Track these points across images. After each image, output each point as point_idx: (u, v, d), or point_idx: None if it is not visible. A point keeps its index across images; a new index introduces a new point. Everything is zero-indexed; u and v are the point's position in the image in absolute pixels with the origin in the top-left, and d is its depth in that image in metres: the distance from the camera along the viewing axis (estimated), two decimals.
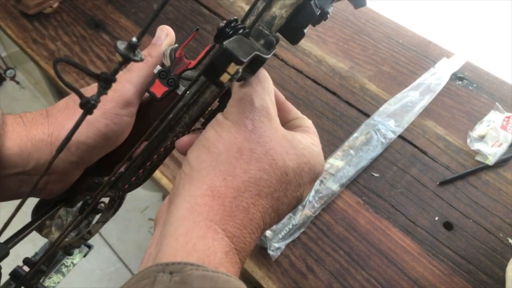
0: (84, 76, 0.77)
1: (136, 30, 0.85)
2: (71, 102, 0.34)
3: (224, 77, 0.22)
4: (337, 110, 0.73)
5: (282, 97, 0.33)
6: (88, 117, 0.32)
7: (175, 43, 0.36)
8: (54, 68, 0.20)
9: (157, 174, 0.64)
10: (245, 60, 0.22)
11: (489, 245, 0.59)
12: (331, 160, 0.65)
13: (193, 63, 0.32)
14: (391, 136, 0.68)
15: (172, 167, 0.65)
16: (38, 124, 0.33)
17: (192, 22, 0.87)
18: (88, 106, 0.20)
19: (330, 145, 0.68)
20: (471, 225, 0.60)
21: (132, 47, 0.19)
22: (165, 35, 0.36)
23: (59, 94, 1.31)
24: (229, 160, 0.25)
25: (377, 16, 0.92)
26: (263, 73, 0.29)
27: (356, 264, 0.56)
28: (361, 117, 0.72)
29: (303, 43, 0.84)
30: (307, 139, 0.30)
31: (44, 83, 1.39)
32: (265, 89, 0.28)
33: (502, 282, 0.55)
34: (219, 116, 0.28)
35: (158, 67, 0.33)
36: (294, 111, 0.33)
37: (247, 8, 0.91)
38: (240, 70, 0.22)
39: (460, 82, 0.79)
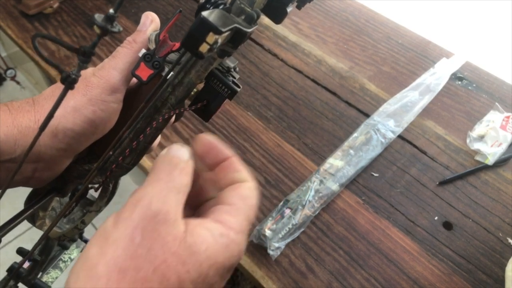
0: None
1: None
2: (58, 89, 0.35)
3: (203, 47, 0.22)
4: (337, 110, 0.73)
5: (225, 152, 0.28)
6: (75, 104, 0.33)
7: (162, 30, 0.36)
8: (32, 44, 0.20)
9: None
10: (223, 30, 0.22)
11: (488, 244, 0.59)
12: (331, 160, 0.65)
13: (177, 45, 0.32)
14: (391, 136, 0.68)
15: None
16: (24, 111, 0.33)
17: (192, 22, 0.87)
18: (68, 80, 0.20)
19: (329, 145, 0.68)
20: (471, 224, 0.60)
21: (110, 19, 0.19)
22: (150, 21, 0.36)
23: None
24: (110, 285, 0.22)
25: (377, 16, 0.92)
26: (181, 165, 0.25)
27: (356, 264, 0.56)
28: (361, 117, 0.72)
29: (303, 43, 0.85)
30: (216, 231, 0.25)
31: (44, 83, 1.39)
32: (175, 185, 0.25)
33: (501, 281, 0.55)
34: (108, 222, 0.24)
35: (143, 50, 0.33)
36: (238, 171, 0.28)
37: None
38: (219, 40, 0.22)
39: (459, 82, 0.79)
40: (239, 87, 0.34)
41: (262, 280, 0.54)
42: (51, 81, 1.11)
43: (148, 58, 0.32)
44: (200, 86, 0.33)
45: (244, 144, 0.68)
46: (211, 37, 0.22)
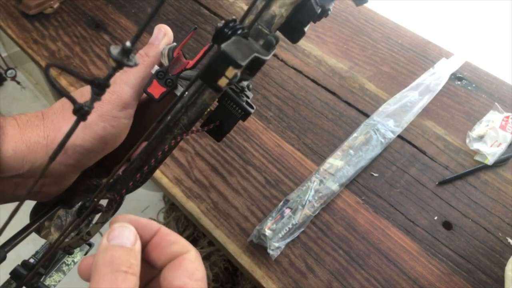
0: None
1: (136, 30, 0.85)
2: (67, 103, 0.34)
3: (222, 81, 0.22)
4: (337, 110, 0.74)
5: (152, 226, 0.26)
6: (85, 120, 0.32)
7: (173, 42, 0.36)
8: (45, 74, 0.20)
9: (157, 173, 0.64)
10: (243, 64, 0.21)
11: (488, 244, 0.59)
12: (330, 160, 0.65)
13: (191, 63, 0.32)
14: (391, 136, 0.68)
15: (172, 166, 0.65)
16: (33, 126, 0.32)
17: (192, 23, 0.87)
18: (81, 112, 0.20)
19: (329, 145, 0.68)
20: (470, 224, 0.61)
21: (126, 52, 0.19)
22: (163, 35, 0.35)
23: (60, 94, 1.31)
24: None
25: (376, 16, 0.92)
26: (124, 266, 0.22)
27: (356, 264, 0.56)
28: (361, 117, 0.72)
29: (303, 43, 0.85)
30: None
31: (44, 83, 1.39)
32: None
33: (501, 281, 0.55)
34: None
35: (156, 67, 0.33)
36: (175, 242, 0.26)
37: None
38: (239, 73, 0.22)
39: (459, 82, 0.79)
40: (252, 108, 0.33)
41: (262, 279, 0.55)
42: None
43: (161, 75, 0.32)
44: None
45: (244, 144, 0.68)
46: (230, 71, 0.21)
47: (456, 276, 0.56)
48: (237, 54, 0.21)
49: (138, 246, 0.24)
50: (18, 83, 1.89)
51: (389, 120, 0.70)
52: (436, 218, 0.61)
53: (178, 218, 1.01)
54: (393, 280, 0.55)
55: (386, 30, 0.89)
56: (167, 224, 1.03)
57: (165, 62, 0.33)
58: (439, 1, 0.98)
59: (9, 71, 1.87)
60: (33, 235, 0.37)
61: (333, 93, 0.76)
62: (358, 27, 0.89)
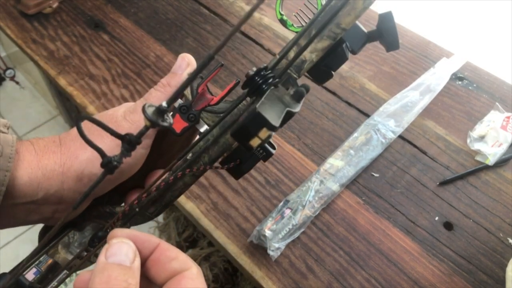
0: (83, 76, 0.77)
1: (136, 30, 0.85)
2: (86, 130, 0.34)
3: (255, 141, 0.21)
4: (337, 110, 0.73)
5: (151, 241, 0.25)
6: (103, 148, 0.32)
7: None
8: (76, 126, 0.20)
9: None
10: (277, 125, 0.21)
11: (489, 245, 0.58)
12: (331, 160, 0.65)
13: (216, 99, 0.31)
14: (391, 136, 0.68)
15: None
16: (50, 152, 0.32)
17: (192, 22, 0.87)
18: (109, 166, 0.19)
19: (330, 145, 0.68)
20: (471, 225, 0.60)
21: (161, 112, 0.18)
22: (186, 64, 0.34)
23: (59, 94, 1.31)
24: None
25: (376, 16, 0.92)
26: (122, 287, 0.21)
27: (356, 264, 0.56)
28: (361, 117, 0.72)
29: None
30: None
31: (43, 83, 1.39)
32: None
33: (502, 282, 0.55)
34: None
35: (179, 101, 0.32)
36: (175, 259, 0.24)
37: (247, 8, 0.91)
38: (272, 134, 0.22)
39: (460, 82, 0.79)
40: (274, 148, 0.33)
41: (262, 280, 0.54)
42: (50, 81, 1.11)
43: (184, 110, 0.31)
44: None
45: None
46: (264, 133, 0.21)
47: (457, 277, 0.55)
48: (272, 115, 0.21)
49: (137, 263, 0.23)
50: (17, 83, 1.89)
51: (389, 120, 0.70)
52: (437, 218, 0.61)
53: (177, 218, 1.01)
54: (394, 281, 0.55)
55: None
56: (166, 225, 1.02)
57: (188, 93, 0.32)
58: (440, 1, 0.98)
59: (8, 71, 1.86)
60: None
61: (334, 93, 0.76)
62: None
